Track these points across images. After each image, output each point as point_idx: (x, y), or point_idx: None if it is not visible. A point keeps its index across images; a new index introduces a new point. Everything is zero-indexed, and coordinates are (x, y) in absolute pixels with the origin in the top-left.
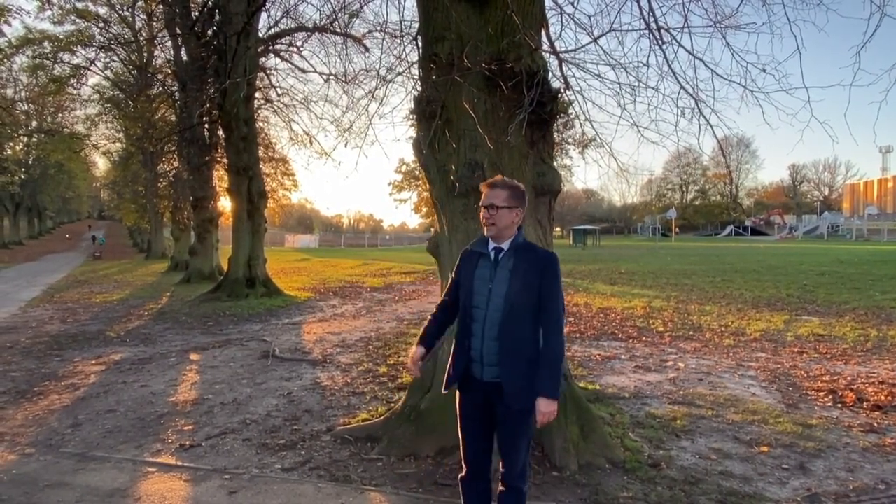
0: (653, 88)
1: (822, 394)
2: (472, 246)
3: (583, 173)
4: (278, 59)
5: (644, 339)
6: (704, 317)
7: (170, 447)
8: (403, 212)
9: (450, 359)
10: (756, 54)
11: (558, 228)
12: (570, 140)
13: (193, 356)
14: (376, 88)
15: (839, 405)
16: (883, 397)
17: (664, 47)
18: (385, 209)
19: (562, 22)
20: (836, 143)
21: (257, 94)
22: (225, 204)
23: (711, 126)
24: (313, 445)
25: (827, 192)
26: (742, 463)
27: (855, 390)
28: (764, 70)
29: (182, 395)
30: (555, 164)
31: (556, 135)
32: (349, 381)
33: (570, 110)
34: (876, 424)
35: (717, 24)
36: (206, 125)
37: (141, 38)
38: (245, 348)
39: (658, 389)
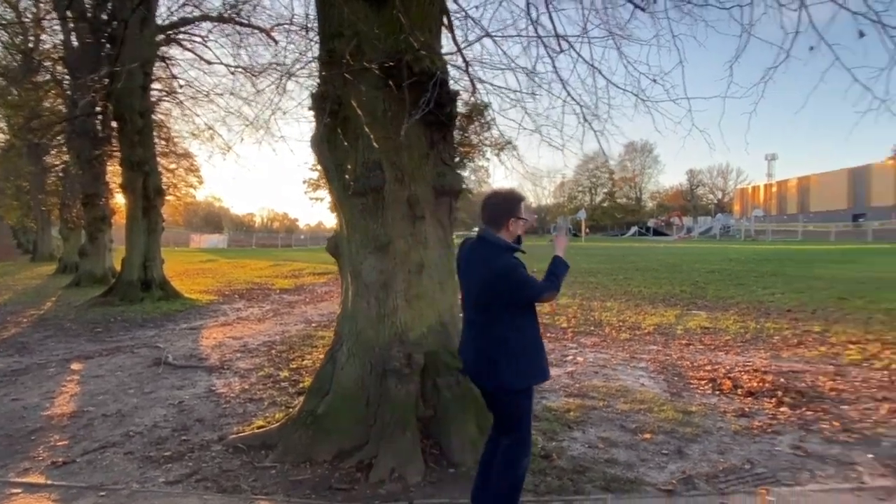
0: (556, 96)
1: (703, 382)
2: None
3: (501, 174)
4: (181, 49)
5: (548, 335)
6: (605, 313)
7: (39, 465)
8: (320, 210)
9: (537, 359)
10: (647, 65)
11: (476, 229)
12: (487, 142)
13: (76, 365)
14: (280, 82)
15: (717, 392)
16: (755, 384)
17: (558, 55)
18: (302, 208)
19: (466, 26)
20: (714, 151)
21: (158, 86)
22: (119, 201)
23: (595, 131)
24: (202, 456)
25: (720, 196)
26: (626, 450)
27: (732, 378)
28: (654, 80)
29: (59, 408)
30: (471, 164)
31: (474, 137)
32: (247, 387)
33: (487, 113)
34: (747, 409)
35: (613, 35)
36: (100, 116)
37: (26, 20)
38: (135, 356)
39: (557, 383)
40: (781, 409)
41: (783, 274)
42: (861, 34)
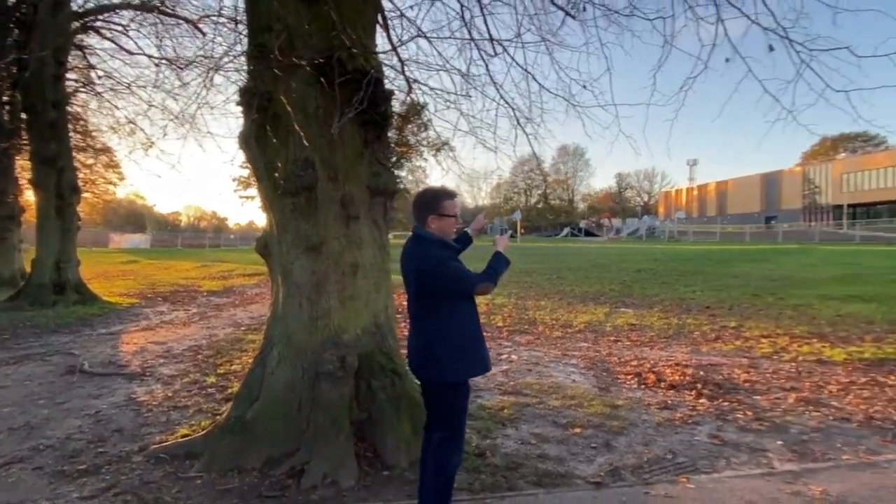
0: (490, 98)
1: (629, 377)
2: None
3: (438, 175)
4: (100, 38)
5: (484, 334)
6: (539, 311)
7: None
8: (251, 209)
9: (476, 351)
10: (578, 71)
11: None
12: (424, 142)
13: None
14: (207, 75)
15: (642, 386)
16: (677, 377)
17: (492, 58)
18: (231, 207)
19: (402, 26)
20: (640, 155)
21: (73, 76)
22: (31, 198)
23: (527, 134)
24: (121, 468)
25: (647, 199)
26: (557, 445)
27: (656, 372)
28: (584, 86)
29: None
30: (409, 164)
31: (411, 137)
32: (170, 394)
33: (424, 114)
34: (669, 402)
35: (545, 41)
36: (7, 107)
37: None
38: (47, 364)
39: (491, 382)
40: (700, 401)
41: (703, 273)
42: (771, 48)
